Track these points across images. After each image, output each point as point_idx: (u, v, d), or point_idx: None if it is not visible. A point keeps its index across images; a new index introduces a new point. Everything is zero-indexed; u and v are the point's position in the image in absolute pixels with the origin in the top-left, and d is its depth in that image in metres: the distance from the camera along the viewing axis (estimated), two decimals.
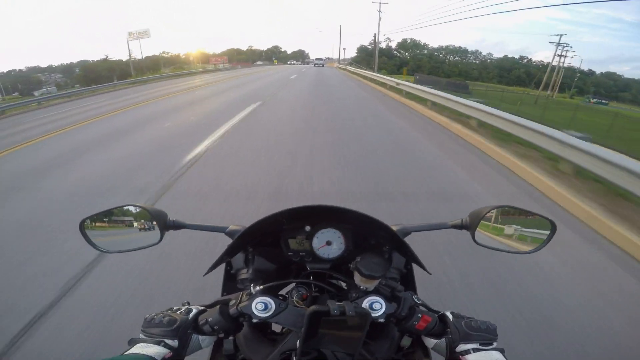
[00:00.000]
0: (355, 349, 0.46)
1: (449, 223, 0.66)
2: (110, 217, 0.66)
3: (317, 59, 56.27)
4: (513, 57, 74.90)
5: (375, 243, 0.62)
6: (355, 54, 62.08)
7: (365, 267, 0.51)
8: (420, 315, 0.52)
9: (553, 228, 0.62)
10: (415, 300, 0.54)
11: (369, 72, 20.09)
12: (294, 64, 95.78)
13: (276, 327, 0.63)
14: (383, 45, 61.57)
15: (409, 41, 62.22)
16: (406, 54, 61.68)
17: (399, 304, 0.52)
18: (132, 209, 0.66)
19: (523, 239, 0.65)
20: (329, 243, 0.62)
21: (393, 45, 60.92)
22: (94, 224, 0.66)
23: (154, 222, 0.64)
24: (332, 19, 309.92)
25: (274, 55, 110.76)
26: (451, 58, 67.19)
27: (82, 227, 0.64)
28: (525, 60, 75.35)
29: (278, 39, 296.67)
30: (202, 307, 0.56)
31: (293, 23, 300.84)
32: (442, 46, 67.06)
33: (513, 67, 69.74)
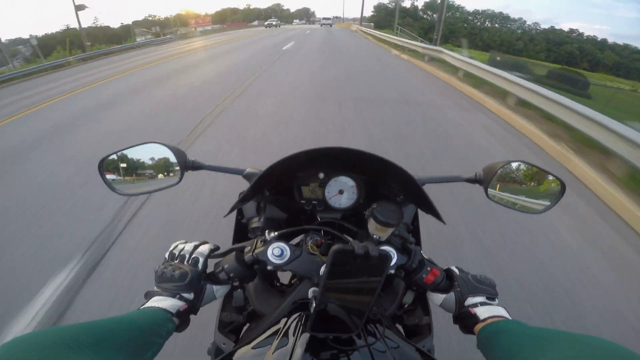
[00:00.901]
0: (369, 298, 0.44)
1: (463, 176, 0.66)
2: (130, 155, 0.64)
3: (324, 19, 51.71)
4: (562, 30, 61.58)
5: (388, 193, 0.62)
6: (372, 14, 50.24)
7: (381, 213, 0.51)
8: (429, 268, 0.53)
9: (562, 188, 0.62)
10: (423, 255, 0.55)
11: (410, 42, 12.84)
12: (298, 24, 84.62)
13: (284, 279, 0.68)
14: (407, 3, 49.27)
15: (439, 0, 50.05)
16: (434, 15, 49.67)
17: (410, 256, 0.53)
18: (153, 146, 0.63)
19: (533, 197, 0.65)
20: (341, 192, 0.63)
21: (419, 4, 48.69)
22: (112, 163, 0.64)
23: (175, 162, 0.62)
24: None
25: (274, 14, 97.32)
26: (488, 24, 54.69)
27: (100, 166, 0.62)
28: (575, 34, 62.08)
29: None
30: (210, 252, 0.55)
31: None
32: (478, 10, 54.28)
33: (564, 41, 57.04)
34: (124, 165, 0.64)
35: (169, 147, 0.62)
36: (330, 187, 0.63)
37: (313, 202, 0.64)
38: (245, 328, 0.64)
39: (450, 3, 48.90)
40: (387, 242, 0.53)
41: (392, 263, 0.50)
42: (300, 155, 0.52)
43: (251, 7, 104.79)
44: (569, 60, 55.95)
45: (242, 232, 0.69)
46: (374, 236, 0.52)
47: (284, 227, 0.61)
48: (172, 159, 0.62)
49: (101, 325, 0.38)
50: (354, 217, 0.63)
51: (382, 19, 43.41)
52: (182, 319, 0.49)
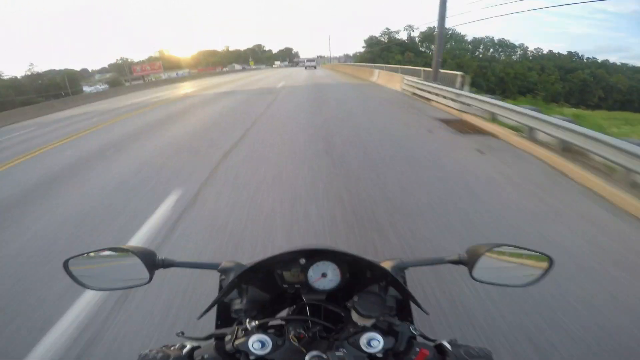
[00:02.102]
0: None
1: (446, 258, 0.68)
2: (97, 257, 0.66)
3: (308, 60, 50.37)
4: (570, 53, 57.33)
5: (371, 276, 0.65)
6: (363, 49, 44.02)
7: (362, 307, 0.54)
8: (418, 349, 0.54)
9: (551, 263, 0.64)
10: (413, 331, 0.57)
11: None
12: (279, 66, 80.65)
13: None
14: (403, 35, 43.34)
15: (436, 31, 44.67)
16: (433, 47, 44.03)
17: (397, 338, 0.55)
18: (117, 252, 0.65)
19: (520, 274, 0.67)
20: (324, 275, 0.64)
21: (416, 36, 42.97)
22: (80, 263, 0.65)
23: (144, 262, 0.63)
24: (325, 10, 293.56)
25: (253, 56, 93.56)
26: (494, 54, 49.39)
27: (66, 266, 0.63)
28: (585, 58, 58.00)
29: (262, 38, 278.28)
30: (196, 344, 0.58)
31: (279, 18, 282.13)
32: (477, 38, 49.35)
33: (575, 68, 52.20)
34: (92, 264, 0.67)
35: (135, 251, 0.63)
36: (312, 272, 0.64)
37: (296, 285, 0.65)
38: None
39: (450, 32, 43.51)
40: (373, 326, 0.55)
41: (379, 348, 0.52)
42: (277, 258, 0.58)
43: (230, 50, 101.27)
44: (583, 88, 50.79)
45: (225, 311, 0.70)
46: (359, 323, 0.55)
47: (267, 307, 0.65)
48: (143, 257, 0.63)
49: None
50: (340, 294, 0.65)
51: (377, 55, 36.72)
52: None
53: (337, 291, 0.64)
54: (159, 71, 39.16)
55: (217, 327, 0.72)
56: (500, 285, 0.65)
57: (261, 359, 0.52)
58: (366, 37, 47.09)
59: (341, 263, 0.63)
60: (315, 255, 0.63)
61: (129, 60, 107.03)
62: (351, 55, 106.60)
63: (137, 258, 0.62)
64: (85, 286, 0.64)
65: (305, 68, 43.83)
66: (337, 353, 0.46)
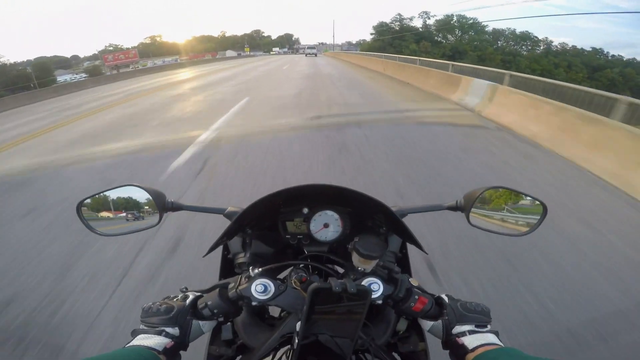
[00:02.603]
0: (355, 330, 0.47)
1: (444, 205, 0.69)
2: (109, 197, 0.67)
3: (308, 47, 48.69)
4: (595, 49, 52.46)
5: (372, 225, 0.65)
6: (372, 37, 39.23)
7: (363, 247, 0.54)
8: (417, 297, 0.54)
9: (544, 210, 0.65)
10: (411, 283, 0.57)
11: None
12: (277, 53, 75.08)
13: (274, 312, 0.68)
14: (418, 23, 38.31)
15: (454, 19, 39.69)
16: (450, 37, 39.14)
17: (396, 285, 0.55)
18: (131, 189, 0.66)
19: (515, 219, 0.68)
20: (326, 225, 0.65)
21: (431, 24, 38.01)
22: (91, 206, 0.67)
23: (153, 204, 0.65)
24: None
25: (249, 42, 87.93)
26: (516, 47, 44.49)
27: (79, 209, 0.65)
28: (610, 56, 53.27)
29: (261, 23, 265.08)
30: (199, 293, 0.57)
31: (280, 1, 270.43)
32: (497, 29, 44.33)
33: (604, 66, 47.49)
34: (102, 206, 0.68)
35: (147, 189, 0.64)
36: (315, 222, 0.65)
37: (298, 236, 0.66)
38: None
39: (472, 20, 38.59)
40: (373, 272, 0.55)
41: (379, 294, 0.53)
42: (282, 193, 0.57)
43: (226, 35, 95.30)
44: (610, 87, 46.24)
45: (228, 268, 0.71)
46: (359, 268, 0.56)
47: (270, 261, 0.61)
48: (151, 200, 0.64)
49: None
50: (341, 248, 0.64)
51: (388, 43, 31.97)
52: (169, 356, 0.48)
53: (339, 243, 0.65)
54: (134, 60, 34.24)
55: (220, 279, 0.72)
56: (496, 233, 0.66)
57: (264, 304, 0.53)
58: (374, 23, 41.80)
59: (343, 213, 0.64)
60: (317, 198, 0.64)
61: (120, 46, 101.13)
62: (354, 42, 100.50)
63: (150, 198, 0.65)
64: (94, 231, 0.65)
65: (306, 55, 42.50)
66: (340, 280, 0.45)
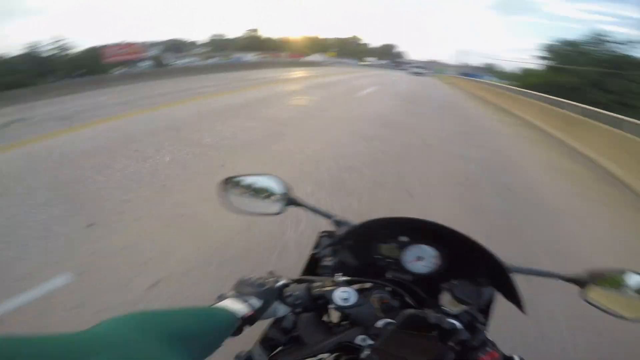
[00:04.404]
0: None
1: (560, 274, 0.67)
2: (248, 180, 0.82)
3: (414, 66, 44.02)
4: None
5: (470, 272, 0.64)
6: (548, 57, 22.67)
7: (460, 291, 0.56)
8: (489, 349, 0.55)
9: None
10: (487, 337, 0.57)
11: None
12: (370, 64, 62.94)
13: (333, 317, 0.71)
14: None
15: None
16: None
17: (474, 334, 0.56)
18: (269, 177, 0.81)
19: (636, 307, 0.66)
20: (419, 259, 0.67)
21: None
22: (232, 184, 0.82)
23: (282, 194, 0.78)
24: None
25: (342, 48, 77.09)
26: None
27: (222, 183, 0.80)
28: None
29: (360, 30, 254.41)
30: (287, 280, 0.65)
31: (384, 9, 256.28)
32: None
33: None
34: (240, 187, 0.82)
35: (280, 181, 0.79)
36: (409, 252, 0.68)
37: (387, 260, 0.70)
38: (281, 348, 0.68)
39: None
40: (455, 315, 0.57)
41: (456, 337, 0.54)
42: (390, 221, 0.65)
43: (320, 37, 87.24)
44: None
45: (312, 265, 0.79)
46: (444, 307, 0.58)
47: (352, 273, 0.66)
48: (281, 191, 0.79)
49: (175, 315, 0.42)
50: (424, 283, 0.67)
51: (583, 77, 15.36)
52: (241, 325, 0.53)
53: (425, 278, 0.67)
54: (137, 55, 25.48)
55: (303, 274, 0.79)
56: (610, 314, 0.64)
57: (339, 310, 0.58)
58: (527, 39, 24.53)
59: (444, 252, 0.65)
60: (419, 233, 0.66)
61: (224, 36, 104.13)
62: (482, 67, 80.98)
63: (281, 188, 0.78)
64: (226, 207, 0.79)
65: (412, 74, 36.68)
66: (435, 314, 0.49)
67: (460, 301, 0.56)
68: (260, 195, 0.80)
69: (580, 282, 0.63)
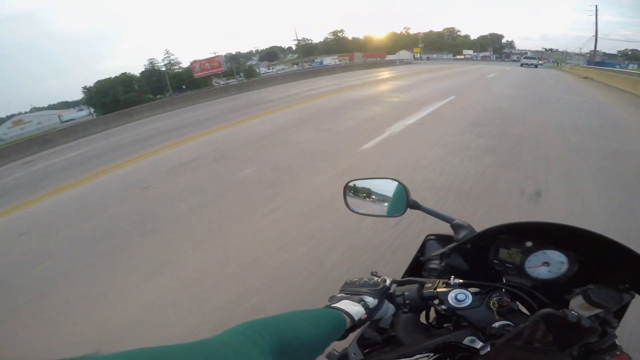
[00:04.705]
0: None
1: None
2: (369, 184, 0.87)
3: (525, 57, 37.62)
4: None
5: (607, 278, 0.58)
6: None
7: (598, 295, 0.52)
8: (618, 353, 0.52)
9: None
10: (617, 342, 0.55)
11: None
12: (472, 58, 53.85)
13: (432, 319, 0.72)
14: None
15: None
16: None
17: (603, 337, 0.53)
18: (389, 181, 0.83)
19: None
20: (545, 264, 0.62)
21: None
22: (354, 188, 0.88)
23: (402, 198, 0.79)
24: None
25: (441, 43, 69.23)
26: None
27: (346, 186, 0.86)
28: None
29: (458, 20, 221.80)
30: (396, 280, 0.67)
31: None
32: None
33: None
34: (362, 189, 0.87)
35: (400, 184, 0.81)
36: (534, 257, 0.62)
37: (507, 265, 0.65)
38: (377, 347, 0.68)
39: None
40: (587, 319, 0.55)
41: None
42: (518, 225, 0.60)
43: (410, 33, 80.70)
44: None
45: (416, 267, 0.78)
46: (573, 312, 0.53)
47: (462, 277, 0.64)
48: (401, 195, 0.79)
49: (289, 321, 0.44)
50: (544, 287, 0.64)
51: None
52: (358, 325, 0.55)
53: (548, 283, 0.63)
54: (218, 70, 25.74)
55: (405, 276, 0.78)
56: None
57: (453, 311, 0.57)
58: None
59: (572, 257, 0.60)
60: (546, 237, 0.62)
61: (310, 41, 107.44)
62: (618, 53, 61.02)
63: (402, 192, 0.79)
64: (349, 208, 0.85)
65: (522, 65, 33.71)
66: (572, 312, 0.48)
67: (596, 305, 0.51)
68: (380, 197, 0.84)
69: None
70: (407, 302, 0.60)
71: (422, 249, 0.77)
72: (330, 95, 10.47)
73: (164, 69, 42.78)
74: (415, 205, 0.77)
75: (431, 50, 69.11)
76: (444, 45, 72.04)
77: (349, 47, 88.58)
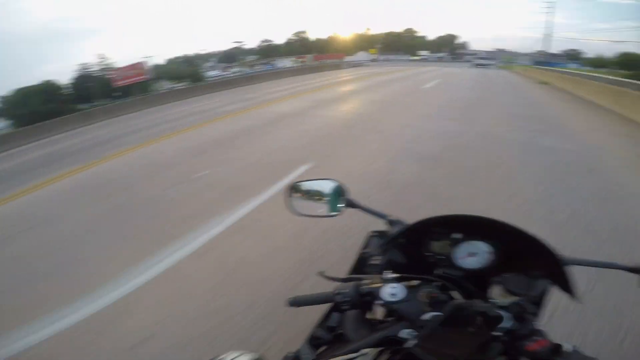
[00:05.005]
0: (466, 352, 0.50)
1: (619, 264, 0.68)
2: (309, 185, 0.91)
3: (479, 57, 41.83)
4: None
5: (523, 265, 0.65)
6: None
7: (512, 283, 0.58)
8: (537, 338, 0.54)
9: None
10: (538, 328, 0.58)
11: None
12: (424, 60, 54.17)
13: (378, 314, 0.73)
14: None
15: None
16: None
17: (523, 323, 0.56)
18: (328, 182, 0.88)
19: None
20: (471, 254, 0.67)
21: None
22: (296, 188, 0.92)
23: (340, 197, 0.86)
24: None
25: (393, 43, 69.37)
26: None
27: (287, 188, 0.91)
28: None
29: (417, 21, 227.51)
30: (338, 278, 0.69)
31: None
32: None
33: None
34: (302, 191, 0.91)
35: (340, 185, 0.86)
36: (462, 248, 0.68)
37: (438, 256, 0.70)
38: (327, 346, 0.70)
39: None
40: (504, 307, 0.57)
41: (504, 326, 0.54)
42: (446, 218, 0.66)
43: (370, 33, 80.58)
44: None
45: (360, 264, 0.81)
46: (493, 300, 0.58)
47: (400, 271, 0.66)
48: (339, 194, 0.86)
49: None
50: (474, 278, 0.67)
51: None
52: None
53: (476, 273, 0.67)
54: (139, 77, 22.50)
55: (350, 273, 0.82)
56: None
57: (387, 306, 0.60)
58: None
59: (497, 247, 0.66)
60: (472, 229, 0.67)
61: (272, 42, 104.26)
62: (563, 53, 64.57)
63: (339, 191, 0.85)
64: (289, 209, 0.89)
65: (476, 66, 36.43)
66: (481, 304, 0.51)
67: (512, 293, 0.57)
68: (319, 198, 0.88)
69: None
70: (346, 299, 0.62)
71: (366, 246, 0.82)
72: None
73: (100, 74, 38.01)
74: (352, 204, 0.85)
75: (390, 51, 69.16)
76: (403, 46, 72.37)
77: (312, 48, 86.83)
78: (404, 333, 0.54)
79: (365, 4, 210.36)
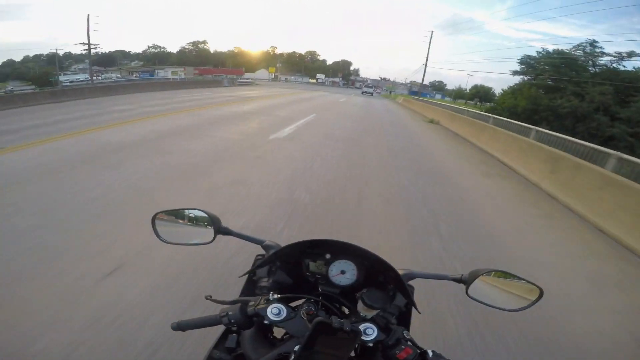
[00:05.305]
0: None
1: (450, 276, 0.80)
2: (178, 214, 0.86)
3: (365, 86, 45.66)
4: None
5: (383, 280, 0.76)
6: (515, 74, 21.32)
7: (368, 298, 0.65)
8: (403, 347, 0.64)
9: (540, 293, 0.74)
10: (405, 335, 0.67)
11: None
12: (322, 83, 56.86)
13: (278, 334, 0.76)
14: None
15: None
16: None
17: (389, 334, 0.65)
18: (196, 212, 0.85)
19: (511, 299, 0.77)
20: (342, 272, 0.76)
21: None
22: (163, 217, 0.86)
23: (211, 226, 0.84)
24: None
25: (296, 65, 71.26)
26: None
27: (153, 218, 0.84)
28: None
29: (319, 45, 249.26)
30: (226, 301, 0.72)
31: (338, 26, 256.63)
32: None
33: None
34: (171, 220, 0.86)
35: (208, 213, 0.83)
36: (334, 267, 0.75)
37: (317, 275, 0.77)
38: None
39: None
40: (373, 320, 0.66)
41: (371, 338, 0.63)
42: (313, 242, 0.73)
43: (277, 52, 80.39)
44: None
45: (251, 288, 0.82)
46: (361, 314, 0.67)
47: (288, 291, 0.74)
48: (209, 223, 0.83)
49: None
50: (350, 294, 0.75)
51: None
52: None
53: (350, 289, 0.75)
54: None
55: (241, 295, 0.84)
56: (490, 306, 0.75)
57: (274, 325, 0.65)
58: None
59: (361, 265, 0.75)
60: (340, 252, 0.75)
61: (163, 49, 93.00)
62: (429, 84, 78.18)
63: (209, 220, 0.83)
64: (160, 238, 0.84)
65: (362, 93, 39.42)
66: (339, 320, 0.56)
67: (369, 306, 0.64)
68: (191, 226, 0.85)
69: (465, 282, 0.75)
70: (232, 321, 0.65)
71: (253, 268, 0.84)
72: None
73: None
74: (225, 231, 0.83)
75: (292, 72, 70.39)
76: (304, 67, 74.79)
77: (210, 60, 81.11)
78: (297, 349, 0.58)
79: (275, 23, 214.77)
